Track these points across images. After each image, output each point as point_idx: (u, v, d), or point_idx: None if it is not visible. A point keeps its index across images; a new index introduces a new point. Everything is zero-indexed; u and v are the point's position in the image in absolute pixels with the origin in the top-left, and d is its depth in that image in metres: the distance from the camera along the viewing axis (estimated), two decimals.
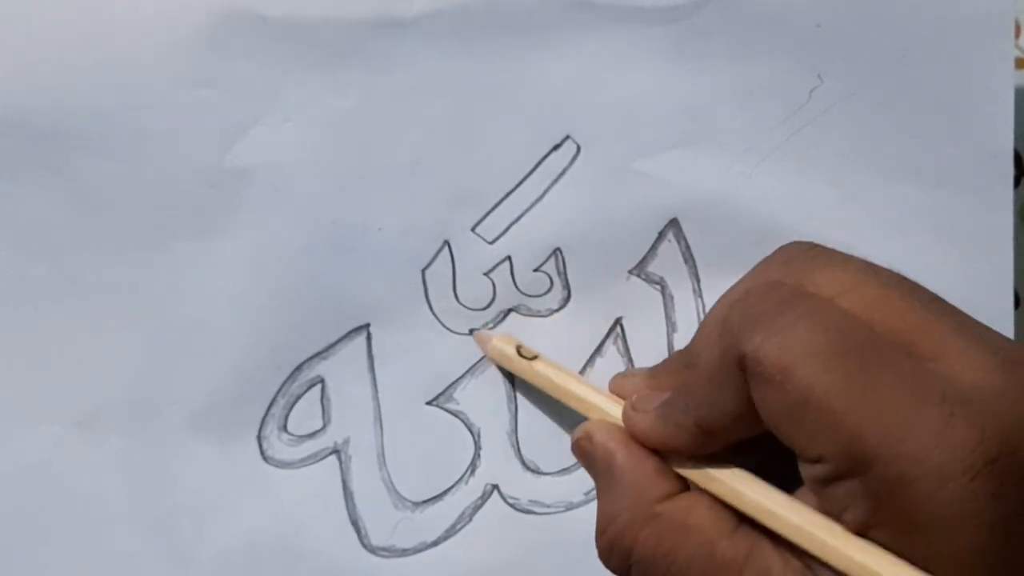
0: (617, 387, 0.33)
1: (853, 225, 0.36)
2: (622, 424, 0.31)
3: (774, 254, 0.30)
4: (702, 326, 0.31)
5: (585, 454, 0.31)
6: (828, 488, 0.25)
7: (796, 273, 0.28)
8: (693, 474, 0.29)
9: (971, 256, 0.36)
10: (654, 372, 0.33)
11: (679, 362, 0.32)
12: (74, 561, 0.35)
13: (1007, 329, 0.35)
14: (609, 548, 0.29)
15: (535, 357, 0.35)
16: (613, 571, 0.29)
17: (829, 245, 0.29)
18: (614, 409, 0.32)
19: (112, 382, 0.35)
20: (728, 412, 0.27)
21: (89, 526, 0.35)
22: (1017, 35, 0.38)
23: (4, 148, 0.35)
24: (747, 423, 0.27)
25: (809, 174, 0.36)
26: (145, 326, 0.35)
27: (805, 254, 0.29)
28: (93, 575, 0.35)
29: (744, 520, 0.28)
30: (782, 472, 0.28)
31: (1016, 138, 0.36)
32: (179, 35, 0.35)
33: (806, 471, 0.26)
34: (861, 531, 0.25)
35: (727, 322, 0.27)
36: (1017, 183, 0.41)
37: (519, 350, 0.35)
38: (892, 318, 0.26)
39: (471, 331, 0.36)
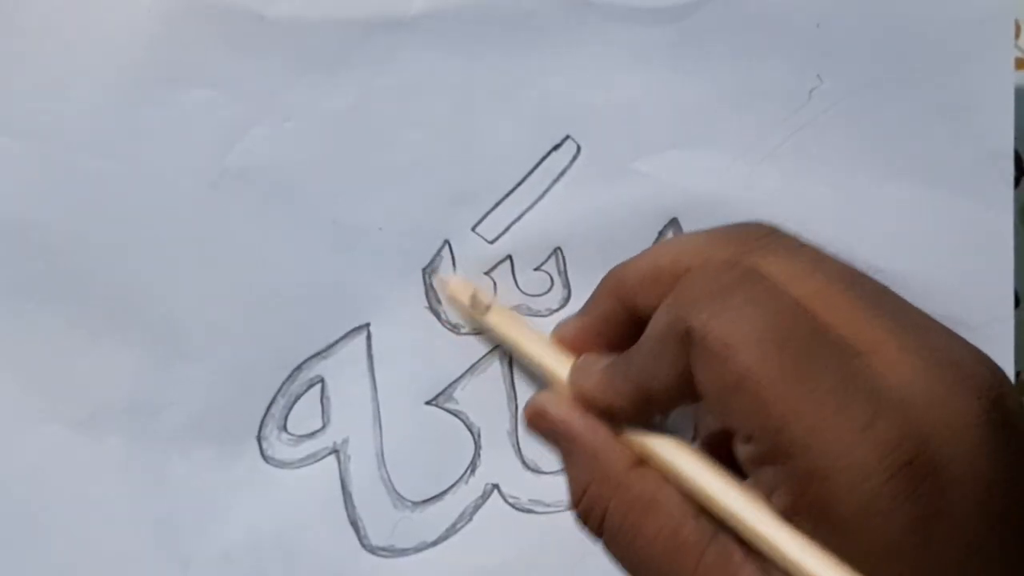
0: (561, 337, 0.33)
1: (853, 225, 0.36)
2: (567, 386, 0.31)
3: (731, 228, 0.30)
4: (639, 272, 0.31)
5: (541, 430, 0.31)
6: (758, 469, 0.26)
7: (752, 254, 0.28)
8: (639, 445, 0.29)
9: (971, 256, 0.36)
10: (588, 319, 0.32)
11: (607, 304, 0.32)
12: (74, 561, 0.35)
13: (1007, 329, 0.35)
14: (584, 517, 0.29)
15: (487, 308, 0.35)
16: (590, 537, 0.30)
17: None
18: (562, 368, 0.32)
19: (112, 382, 0.35)
20: (667, 381, 0.27)
21: (89, 526, 0.35)
22: (1017, 35, 0.38)
23: (4, 148, 0.35)
24: (685, 392, 0.27)
25: (809, 174, 0.36)
26: (145, 326, 0.35)
27: (764, 237, 0.29)
28: (93, 575, 0.35)
29: None
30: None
31: (1016, 138, 0.36)
32: (179, 35, 0.35)
33: (739, 449, 0.26)
34: (787, 516, 0.25)
35: (678, 293, 0.27)
36: (1017, 183, 0.41)
37: (473, 299, 0.35)
38: (833, 311, 0.26)
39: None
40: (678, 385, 0.27)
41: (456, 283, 0.36)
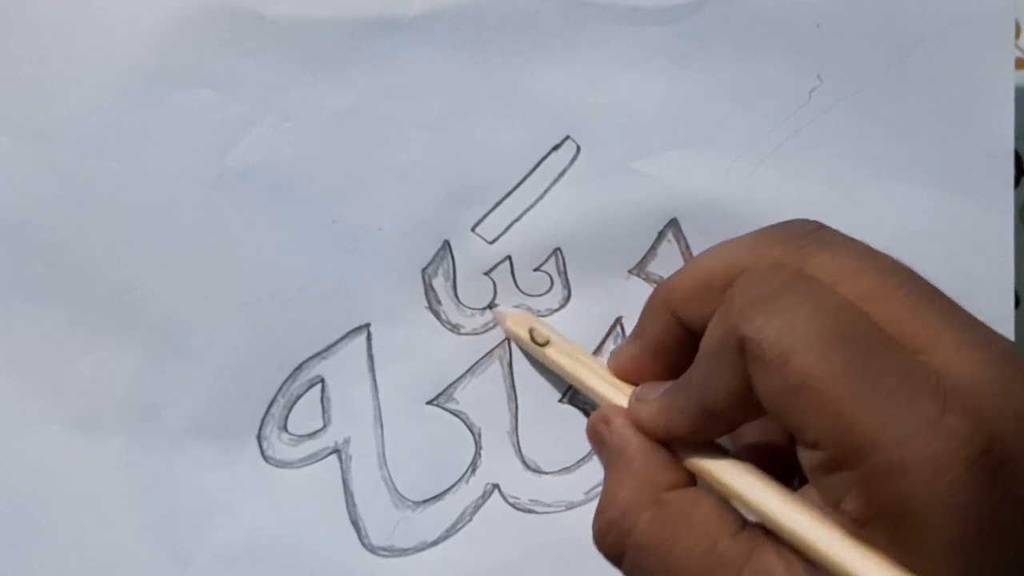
0: (618, 367, 0.33)
1: (853, 225, 0.36)
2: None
3: (777, 228, 0.30)
4: (688, 279, 0.31)
5: (599, 438, 0.31)
6: (825, 477, 0.25)
7: (798, 254, 0.28)
8: (700, 468, 0.29)
9: (971, 256, 0.36)
10: (642, 342, 0.32)
11: (659, 323, 0.31)
12: (74, 561, 0.35)
13: (1007, 329, 0.35)
14: (607, 527, 0.29)
15: (547, 342, 0.35)
16: (605, 552, 0.29)
17: None
18: (621, 399, 0.32)
19: (112, 382, 0.35)
20: (729, 394, 0.27)
21: (89, 526, 0.35)
22: (1017, 35, 0.38)
23: (4, 148, 0.35)
24: (748, 406, 0.27)
25: (809, 174, 0.36)
26: (145, 326, 0.35)
27: (811, 234, 0.29)
28: (93, 575, 0.35)
29: (749, 524, 0.28)
30: (789, 465, 0.28)
31: (1016, 138, 0.36)
32: (179, 35, 0.35)
33: (804, 457, 0.26)
34: (858, 525, 0.25)
35: (728, 303, 0.27)
36: (1017, 183, 0.41)
37: (532, 333, 0.35)
38: (888, 308, 0.26)
39: (490, 305, 0.36)
40: (739, 398, 0.27)
41: (515, 317, 0.36)
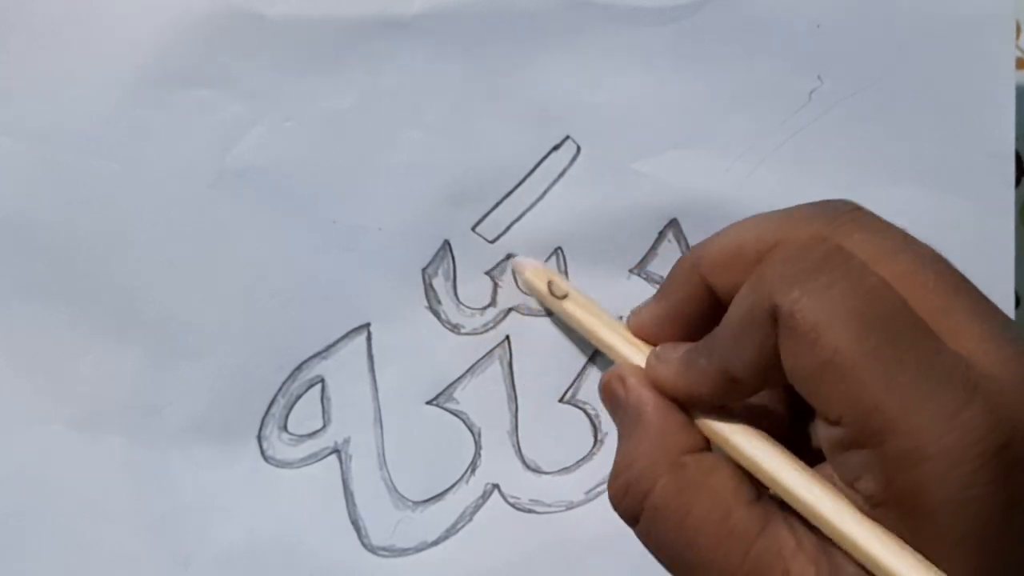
0: (638, 325, 0.32)
1: None
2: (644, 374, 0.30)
3: (815, 205, 0.29)
4: (714, 249, 0.30)
5: (614, 396, 0.31)
6: (843, 454, 0.25)
7: (835, 231, 0.28)
8: (715, 433, 0.29)
9: (971, 256, 0.36)
10: (666, 303, 0.32)
11: (686, 286, 0.31)
12: (74, 561, 0.35)
13: None
14: (624, 489, 0.28)
15: (565, 295, 0.34)
16: (622, 515, 0.29)
17: None
18: (638, 358, 0.31)
19: (112, 382, 0.35)
20: (753, 360, 0.27)
21: (89, 526, 0.35)
22: (1017, 35, 0.38)
23: (4, 148, 0.35)
24: (770, 374, 0.27)
25: (809, 175, 0.36)
26: (145, 326, 0.35)
27: (850, 213, 0.28)
28: (93, 575, 0.35)
29: (763, 494, 0.28)
30: (805, 437, 0.28)
31: (1016, 138, 0.36)
32: (179, 34, 0.35)
33: (824, 433, 0.26)
34: (872, 504, 0.25)
35: (764, 271, 0.27)
36: (1017, 183, 0.41)
37: (550, 286, 0.35)
38: (921, 293, 0.26)
39: (508, 256, 0.36)
40: (763, 367, 0.26)
41: (533, 268, 0.36)
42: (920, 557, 0.24)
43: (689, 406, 0.29)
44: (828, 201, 0.29)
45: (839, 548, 0.26)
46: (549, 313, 0.36)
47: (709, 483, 0.27)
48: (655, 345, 0.31)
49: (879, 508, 0.25)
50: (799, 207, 0.29)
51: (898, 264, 0.27)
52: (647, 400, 0.29)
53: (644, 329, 0.32)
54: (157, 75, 0.35)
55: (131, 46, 0.35)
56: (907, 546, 0.24)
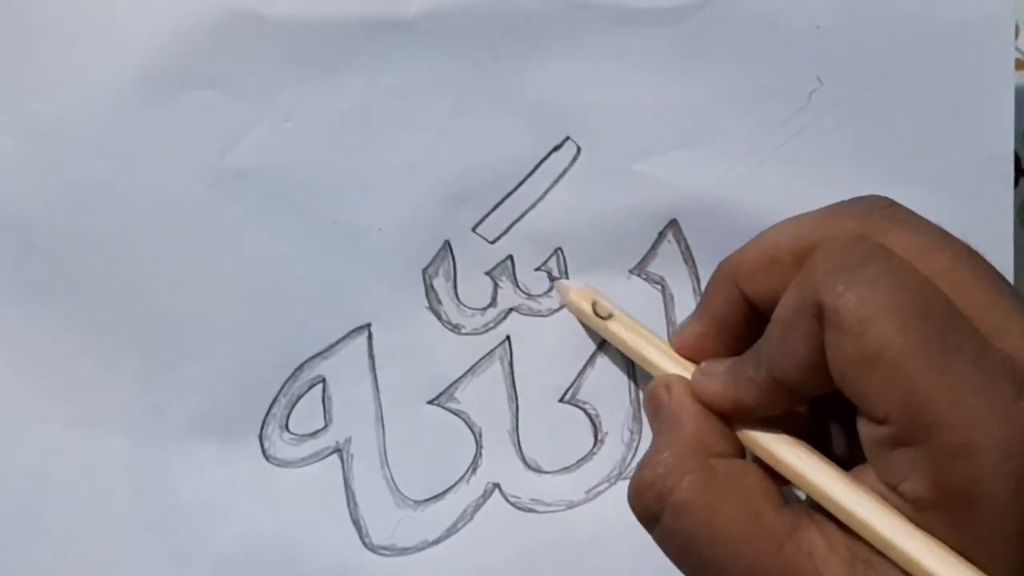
0: (681, 344, 0.32)
1: None
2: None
3: (850, 203, 0.29)
4: (753, 255, 0.30)
5: (657, 402, 0.31)
6: (889, 454, 0.25)
7: (872, 228, 0.28)
8: (755, 442, 0.29)
9: None
10: (706, 318, 0.32)
11: (724, 298, 0.31)
12: (74, 561, 0.35)
13: None
14: (645, 486, 0.28)
15: (610, 316, 0.34)
16: (639, 513, 0.29)
17: None
18: (684, 375, 0.31)
19: (112, 382, 0.35)
20: (800, 361, 0.27)
21: (90, 526, 0.35)
22: (1017, 36, 0.38)
23: (4, 148, 0.35)
24: (817, 376, 0.26)
25: (809, 176, 0.36)
26: (146, 326, 0.35)
27: (885, 210, 0.28)
28: (93, 574, 0.35)
29: (792, 501, 0.28)
30: (845, 445, 0.28)
31: (1016, 139, 0.36)
32: (179, 35, 0.35)
33: (868, 432, 0.26)
34: (916, 508, 0.25)
35: (808, 271, 0.27)
36: (1017, 183, 0.41)
37: (595, 307, 0.35)
38: (961, 289, 0.26)
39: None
40: (810, 367, 0.26)
41: (577, 289, 0.36)
42: (975, 569, 0.24)
43: (733, 419, 0.29)
44: (861, 198, 0.29)
45: (883, 556, 0.25)
46: (549, 314, 0.37)
47: (739, 485, 0.27)
48: (699, 363, 0.31)
49: (925, 512, 0.25)
50: (833, 206, 0.29)
51: (938, 260, 0.27)
52: (687, 406, 0.30)
53: (687, 347, 0.32)
54: (157, 75, 0.35)
55: (131, 46, 0.35)
56: (962, 559, 0.24)
